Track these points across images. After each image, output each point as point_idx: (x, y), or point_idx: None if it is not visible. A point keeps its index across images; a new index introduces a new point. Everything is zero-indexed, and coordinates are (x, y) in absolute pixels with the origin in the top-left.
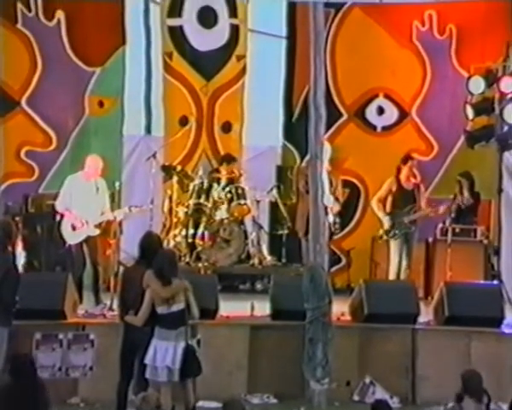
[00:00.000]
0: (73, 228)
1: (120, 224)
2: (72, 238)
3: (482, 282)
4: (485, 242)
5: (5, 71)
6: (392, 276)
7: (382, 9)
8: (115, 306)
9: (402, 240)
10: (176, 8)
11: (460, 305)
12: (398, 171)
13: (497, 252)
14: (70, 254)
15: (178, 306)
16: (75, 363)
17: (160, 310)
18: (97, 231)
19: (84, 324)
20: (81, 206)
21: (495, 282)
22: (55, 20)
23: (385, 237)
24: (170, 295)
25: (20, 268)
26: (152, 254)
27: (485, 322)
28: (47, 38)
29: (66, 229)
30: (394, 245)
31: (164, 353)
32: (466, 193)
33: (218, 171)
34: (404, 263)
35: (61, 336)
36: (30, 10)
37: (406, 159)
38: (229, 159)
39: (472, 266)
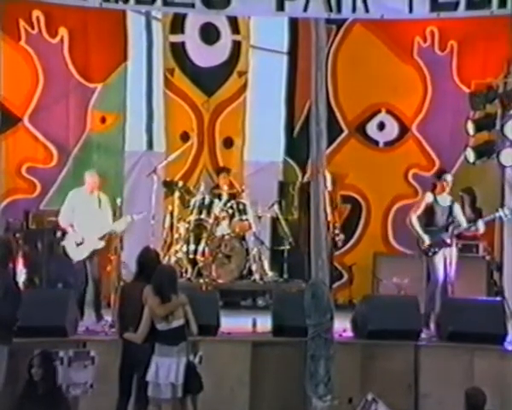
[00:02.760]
0: (76, 244)
1: (121, 240)
2: (76, 254)
3: (485, 298)
4: (488, 258)
5: (7, 87)
6: (426, 297)
7: (384, 26)
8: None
9: (440, 258)
10: (178, 25)
11: (462, 321)
12: (434, 187)
13: (500, 268)
14: (73, 269)
15: (178, 321)
16: (76, 380)
17: (160, 326)
18: (102, 244)
19: (85, 341)
20: (84, 219)
21: (497, 298)
22: (58, 37)
23: (425, 256)
24: (168, 312)
25: (21, 285)
26: (150, 270)
27: (488, 338)
28: (49, 54)
29: (70, 245)
30: (437, 260)
31: (167, 369)
32: (468, 209)
33: (217, 186)
34: (442, 285)
35: (61, 353)
36: (33, 28)
37: (440, 175)
38: (222, 170)
39: (474, 281)
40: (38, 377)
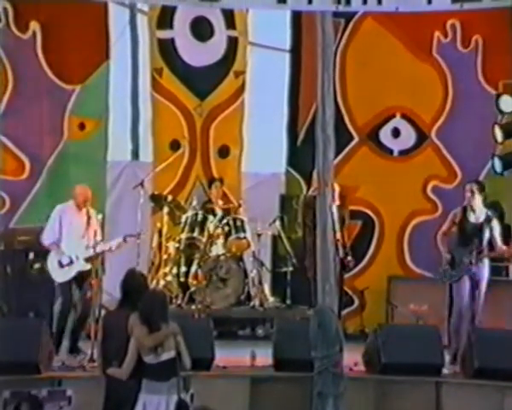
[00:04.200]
0: (60, 265)
1: (103, 262)
2: (59, 276)
3: None
4: None
5: None
6: (451, 328)
7: (399, 19)
8: (96, 356)
9: (466, 284)
10: (166, 19)
11: (491, 355)
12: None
13: None
14: (49, 295)
15: (169, 354)
16: None
17: (148, 360)
18: (88, 266)
19: (61, 377)
20: (71, 238)
21: None
22: (29, 33)
23: (444, 280)
24: (157, 343)
25: None
26: (136, 296)
27: None
28: (19, 52)
29: (52, 265)
30: (455, 289)
31: (155, 408)
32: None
33: (210, 201)
34: (469, 313)
35: (34, 392)
36: (0, 20)
37: (472, 187)
38: (214, 180)
39: (504, 309)
40: None
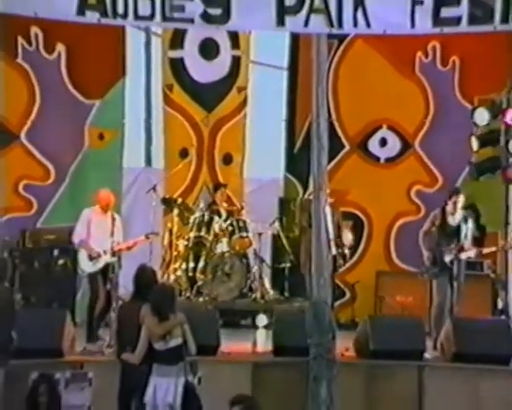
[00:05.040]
0: (90, 258)
1: (119, 258)
2: (89, 267)
3: (490, 318)
4: (493, 275)
5: (4, 105)
6: (433, 319)
7: (385, 41)
8: (113, 343)
9: (446, 279)
10: (178, 40)
11: (468, 341)
12: (445, 205)
13: (505, 286)
14: (72, 288)
15: (176, 341)
16: (73, 403)
17: (158, 346)
18: (114, 259)
19: (83, 362)
20: (99, 237)
21: (503, 317)
22: (55, 54)
23: (425, 276)
24: (165, 331)
25: (17, 305)
26: (147, 289)
27: (495, 359)
28: (46, 71)
29: (83, 259)
30: (436, 284)
31: (165, 390)
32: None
33: (215, 203)
34: (448, 305)
35: (58, 375)
36: (30, 44)
37: (451, 193)
38: (219, 186)
39: (479, 300)
40: (44, 406)
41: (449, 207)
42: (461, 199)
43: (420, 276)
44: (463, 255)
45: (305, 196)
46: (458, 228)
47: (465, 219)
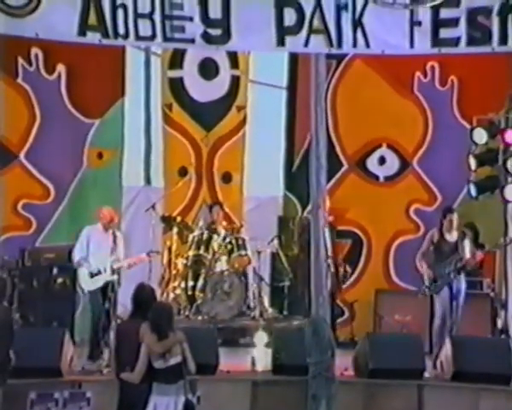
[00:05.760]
0: (91, 275)
1: (119, 275)
2: (89, 285)
3: (490, 337)
4: (492, 294)
5: (4, 125)
6: (434, 332)
7: (384, 61)
8: (111, 362)
9: (447, 295)
10: (177, 60)
11: (467, 360)
12: (441, 224)
13: (504, 305)
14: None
15: (176, 359)
16: None
17: (157, 364)
18: (114, 277)
19: (81, 381)
20: (99, 255)
21: (503, 336)
22: (55, 74)
23: (426, 292)
24: (165, 349)
25: (16, 324)
26: (146, 307)
27: (494, 378)
28: (46, 91)
29: (83, 277)
30: (437, 298)
31: (165, 408)
32: (470, 244)
33: (214, 222)
34: (448, 324)
35: (56, 394)
36: (31, 64)
37: (445, 212)
38: (214, 204)
39: (479, 319)
40: None
41: (445, 226)
42: (455, 217)
43: (421, 294)
44: (460, 263)
45: (304, 214)
46: (456, 245)
47: (462, 237)
